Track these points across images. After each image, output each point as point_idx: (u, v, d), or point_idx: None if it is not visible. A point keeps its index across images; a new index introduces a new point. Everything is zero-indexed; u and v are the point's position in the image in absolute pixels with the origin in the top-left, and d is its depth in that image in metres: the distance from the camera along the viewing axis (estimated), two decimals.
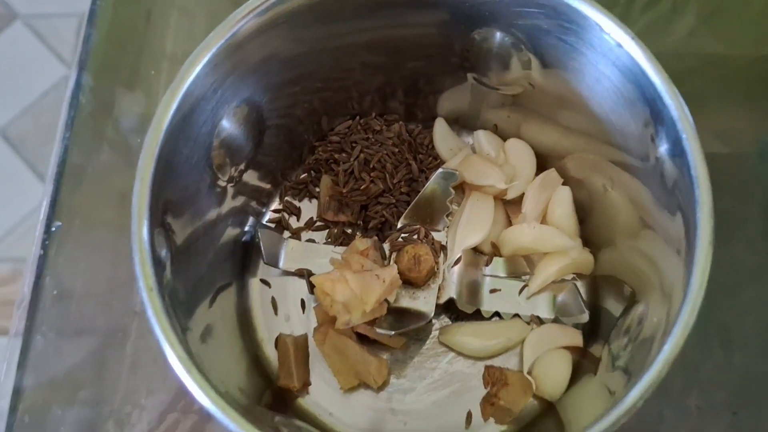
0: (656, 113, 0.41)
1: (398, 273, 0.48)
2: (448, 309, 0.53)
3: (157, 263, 0.38)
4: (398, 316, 0.49)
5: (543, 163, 0.55)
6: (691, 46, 0.67)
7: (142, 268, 0.37)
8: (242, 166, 0.50)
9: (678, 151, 0.39)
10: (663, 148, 0.41)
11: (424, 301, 0.50)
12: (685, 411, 0.53)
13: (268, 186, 0.55)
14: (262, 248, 0.53)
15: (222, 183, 0.48)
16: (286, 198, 0.56)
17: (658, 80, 0.40)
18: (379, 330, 0.47)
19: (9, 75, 1.20)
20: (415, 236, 0.51)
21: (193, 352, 0.38)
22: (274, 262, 0.53)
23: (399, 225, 0.52)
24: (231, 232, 0.52)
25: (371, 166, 0.53)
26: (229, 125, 0.45)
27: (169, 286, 0.39)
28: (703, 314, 0.37)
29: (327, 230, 0.56)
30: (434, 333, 0.53)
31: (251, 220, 0.55)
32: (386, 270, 0.47)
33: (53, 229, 0.58)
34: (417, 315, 0.49)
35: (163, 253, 0.39)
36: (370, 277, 0.47)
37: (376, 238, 0.52)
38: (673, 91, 0.40)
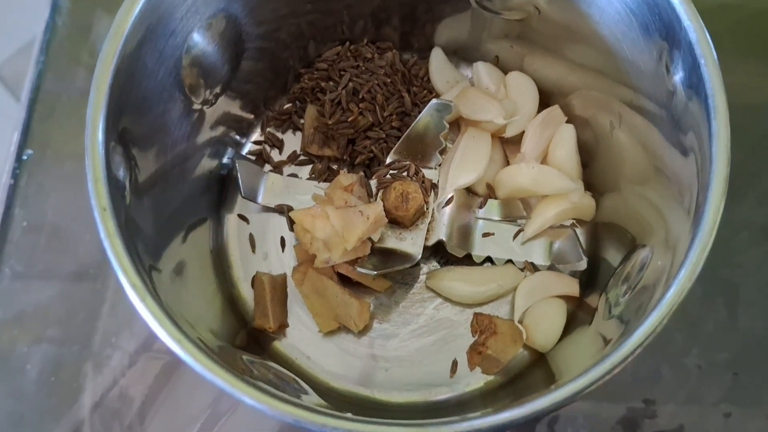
0: (672, 37, 0.37)
1: (384, 211, 0.45)
2: (437, 252, 0.50)
3: (114, 183, 0.34)
4: (383, 256, 0.46)
5: (546, 99, 0.51)
6: None
7: (95, 186, 0.33)
8: (217, 89, 0.46)
9: (695, 79, 0.36)
10: (678, 77, 0.37)
11: (411, 243, 0.46)
12: (684, 370, 0.50)
13: (248, 115, 0.52)
14: (240, 181, 0.49)
15: (197, 106, 0.44)
16: (268, 129, 0.53)
17: None
18: (360, 270, 0.44)
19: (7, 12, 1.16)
20: (405, 173, 0.47)
21: (155, 282, 0.34)
22: (252, 197, 0.50)
23: (388, 161, 0.48)
24: (207, 163, 0.49)
25: (360, 96, 0.50)
26: (201, 40, 0.41)
27: (129, 211, 0.36)
28: (709, 271, 0.34)
29: (311, 165, 0.52)
30: (421, 277, 0.49)
31: (230, 151, 0.51)
32: (371, 207, 0.44)
33: (24, 157, 0.55)
34: (403, 256, 0.46)
35: (121, 173, 0.36)
36: (353, 213, 0.43)
37: (362, 173, 0.48)
38: (693, 11, 0.36)
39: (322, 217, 0.43)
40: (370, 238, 0.45)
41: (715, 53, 0.35)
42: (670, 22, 0.36)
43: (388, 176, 0.47)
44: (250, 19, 0.45)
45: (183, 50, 0.40)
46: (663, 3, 0.36)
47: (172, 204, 0.44)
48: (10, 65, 1.12)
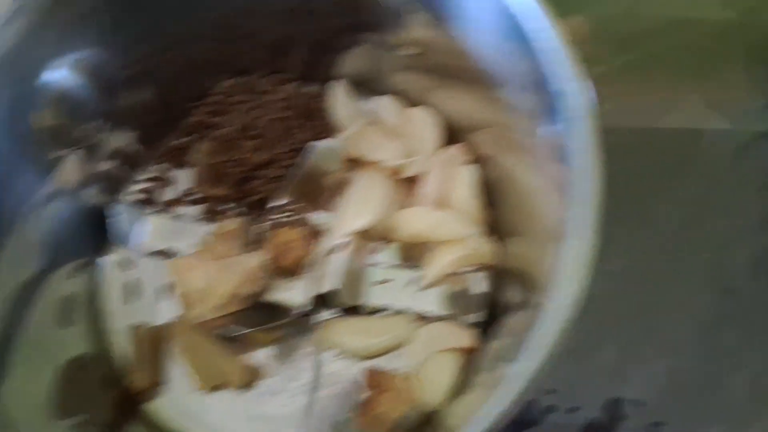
0: (550, 87, 0.33)
1: (269, 260, 0.42)
2: (328, 302, 0.46)
3: None
4: (265, 310, 0.43)
5: (455, 136, 0.48)
6: (648, 7, 0.61)
7: None
8: (92, 125, 0.42)
9: (572, 133, 0.32)
10: (556, 127, 0.34)
11: (297, 293, 0.43)
12: None
13: (135, 150, 0.48)
14: (122, 224, 0.46)
15: (64, 152, 0.41)
16: (157, 166, 0.49)
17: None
18: (235, 327, 0.41)
19: None
20: (290, 217, 0.44)
21: None
22: (135, 241, 0.47)
23: (278, 203, 0.45)
24: (82, 202, 0.45)
25: (253, 132, 0.46)
26: (59, 77, 0.38)
27: None
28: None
29: (203, 204, 0.49)
30: (311, 328, 0.46)
31: (112, 189, 0.48)
32: (246, 258, 0.41)
33: None
34: (286, 309, 0.43)
35: None
36: (225, 265, 0.40)
37: (244, 219, 0.45)
38: (572, 61, 0.33)
39: (193, 269, 0.40)
40: (251, 290, 0.41)
41: (595, 107, 0.32)
42: (548, 72, 0.33)
43: (271, 222, 0.44)
44: (118, 51, 0.42)
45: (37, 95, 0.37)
46: (539, 49, 0.33)
47: (33, 250, 0.41)
48: None
